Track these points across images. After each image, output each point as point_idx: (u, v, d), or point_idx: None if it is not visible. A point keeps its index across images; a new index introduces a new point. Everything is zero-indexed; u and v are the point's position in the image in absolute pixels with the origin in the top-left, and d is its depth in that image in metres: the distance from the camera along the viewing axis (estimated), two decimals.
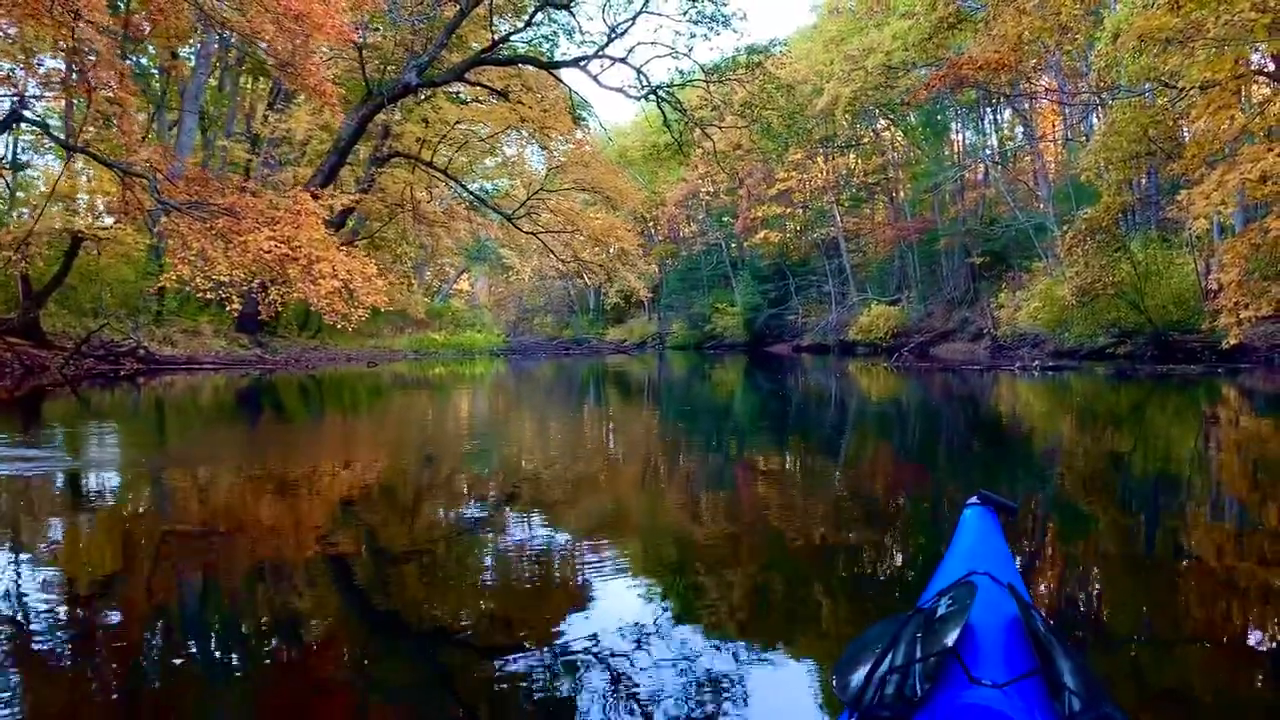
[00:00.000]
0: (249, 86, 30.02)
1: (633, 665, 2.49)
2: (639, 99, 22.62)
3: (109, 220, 15.51)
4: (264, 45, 12.41)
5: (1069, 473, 6.45)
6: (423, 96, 24.91)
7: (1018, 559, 3.47)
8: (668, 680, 2.38)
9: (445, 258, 46.41)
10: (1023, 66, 17.91)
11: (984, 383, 16.44)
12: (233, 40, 21.26)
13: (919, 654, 1.59)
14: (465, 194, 29.10)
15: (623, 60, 22.17)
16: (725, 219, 51.31)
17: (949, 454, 7.98)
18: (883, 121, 40.94)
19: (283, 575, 3.54)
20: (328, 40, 12.67)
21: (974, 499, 2.54)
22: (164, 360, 18.54)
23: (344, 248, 12.86)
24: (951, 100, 34.41)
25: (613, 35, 21.64)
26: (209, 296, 12.10)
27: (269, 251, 10.90)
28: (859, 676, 1.66)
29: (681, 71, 25.56)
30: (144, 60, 26.53)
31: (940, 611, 1.76)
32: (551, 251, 27.89)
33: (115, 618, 2.97)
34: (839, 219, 43.27)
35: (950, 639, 1.57)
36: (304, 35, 11.76)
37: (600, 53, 22.12)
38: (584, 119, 25.94)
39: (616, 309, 60.53)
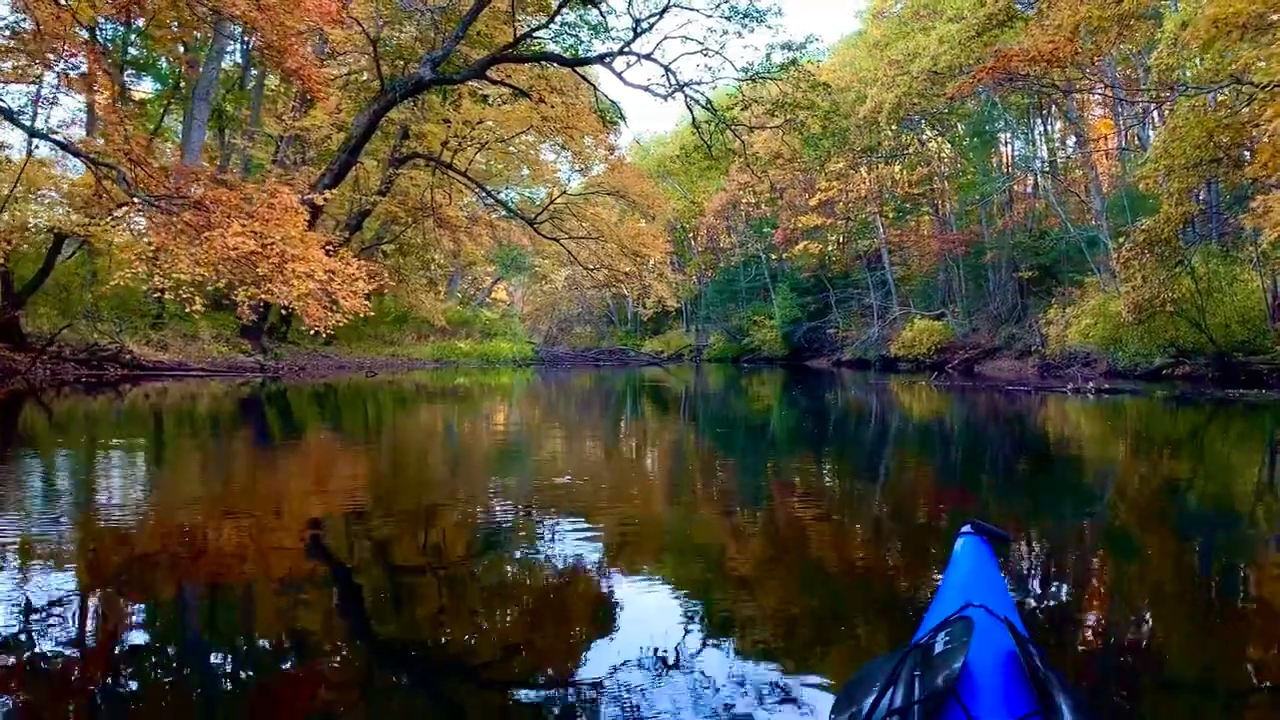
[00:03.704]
0: (280, 87, 29.61)
1: (650, 698, 2.42)
2: (665, 98, 21.72)
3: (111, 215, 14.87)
4: (239, 23, 11.71)
5: (1122, 505, 5.97)
6: (450, 99, 24.36)
7: (1061, 592, 3.67)
8: (687, 715, 2.31)
9: (478, 265, 45.98)
10: (1079, 59, 16.73)
11: (1033, 404, 15.42)
12: (253, 43, 20.87)
13: (918, 694, 1.58)
14: (486, 196, 28.49)
15: (649, 57, 21.25)
16: (765, 229, 50.37)
17: (994, 483, 7.24)
18: (929, 131, 39.88)
19: (282, 597, 3.44)
20: (310, 19, 11.94)
21: (967, 528, 2.56)
22: (150, 365, 17.82)
23: (327, 247, 12.08)
24: (1001, 109, 33.34)
25: (638, 29, 20.66)
26: (167, 297, 11.43)
27: (236, 248, 10.15)
28: (857, 718, 1.66)
29: (710, 68, 24.74)
30: (166, 61, 26.39)
31: (938, 648, 1.73)
32: (575, 259, 27.17)
33: (106, 644, 2.87)
34: (882, 230, 42.11)
35: (949, 678, 1.55)
36: (284, 13, 11.03)
37: (626, 49, 21.18)
38: (615, 123, 25.14)
39: (654, 320, 59.81)
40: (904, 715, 1.54)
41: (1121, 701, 2.52)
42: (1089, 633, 3.17)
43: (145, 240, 11.64)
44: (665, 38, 22.26)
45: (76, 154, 11.39)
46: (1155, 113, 24.86)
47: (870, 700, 1.65)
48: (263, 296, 11.02)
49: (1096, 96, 33.76)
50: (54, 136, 11.70)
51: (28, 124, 12.93)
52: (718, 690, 2.47)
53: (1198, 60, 14.84)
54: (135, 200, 10.86)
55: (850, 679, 1.92)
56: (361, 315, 11.93)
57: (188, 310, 11.59)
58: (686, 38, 22.22)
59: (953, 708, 1.51)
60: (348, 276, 11.32)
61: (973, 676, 1.62)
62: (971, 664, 1.64)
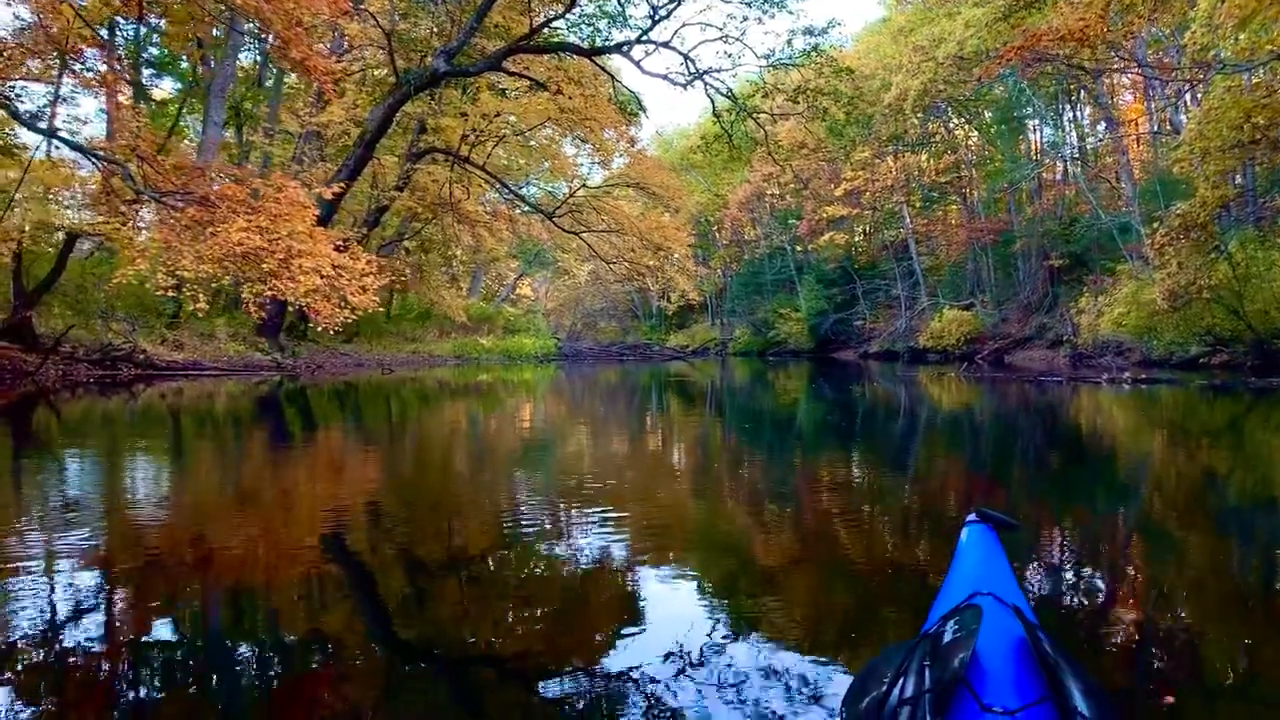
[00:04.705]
0: (300, 84, 29.52)
1: (671, 690, 2.41)
2: (685, 85, 21.41)
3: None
4: (247, 15, 11.55)
5: (1156, 497, 5.81)
6: (469, 93, 24.19)
7: (1093, 585, 3.56)
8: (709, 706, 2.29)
9: (501, 261, 45.87)
10: (1110, 39, 16.22)
11: (1066, 395, 15.01)
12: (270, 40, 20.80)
13: (928, 683, 1.57)
14: (504, 190, 28.32)
15: (667, 45, 20.89)
16: (790, 221, 49.94)
17: (1025, 475, 6.95)
18: (955, 118, 39.33)
19: (304, 591, 3.45)
20: (317, 9, 11.73)
21: (972, 516, 2.57)
22: (164, 365, 17.66)
23: (339, 243, 11.89)
24: (1029, 94, 32.76)
25: (656, 17, 20.30)
26: (170, 294, 11.32)
27: (240, 244, 9.99)
28: (868, 710, 1.68)
29: (730, 55, 24.47)
30: (186, 59, 26.45)
31: (947, 637, 1.73)
32: (596, 253, 26.94)
33: (128, 643, 2.83)
34: (909, 220, 41.58)
35: (959, 666, 1.55)
36: (291, 3, 10.84)
37: (644, 36, 20.79)
38: (635, 114, 24.85)
39: (678, 315, 59.59)
40: (914, 704, 1.54)
41: (1139, 692, 2.44)
42: (1112, 624, 3.06)
43: (151, 236, 11.61)
44: (684, 24, 22.04)
45: (83, 151, 11.32)
46: (1188, 95, 24.29)
47: (881, 691, 1.66)
48: (269, 293, 10.86)
49: (1127, 80, 33.13)
50: (61, 134, 11.62)
51: (34, 124, 12.89)
52: (739, 683, 2.45)
53: (1233, 39, 14.33)
54: (143, 196, 10.74)
55: (860, 671, 1.92)
56: (372, 311, 11.78)
57: (192, 308, 11.52)
58: (706, 24, 21.89)
59: (963, 695, 1.52)
60: (356, 272, 11.14)
61: (982, 663, 1.64)
62: (981, 651, 1.67)
